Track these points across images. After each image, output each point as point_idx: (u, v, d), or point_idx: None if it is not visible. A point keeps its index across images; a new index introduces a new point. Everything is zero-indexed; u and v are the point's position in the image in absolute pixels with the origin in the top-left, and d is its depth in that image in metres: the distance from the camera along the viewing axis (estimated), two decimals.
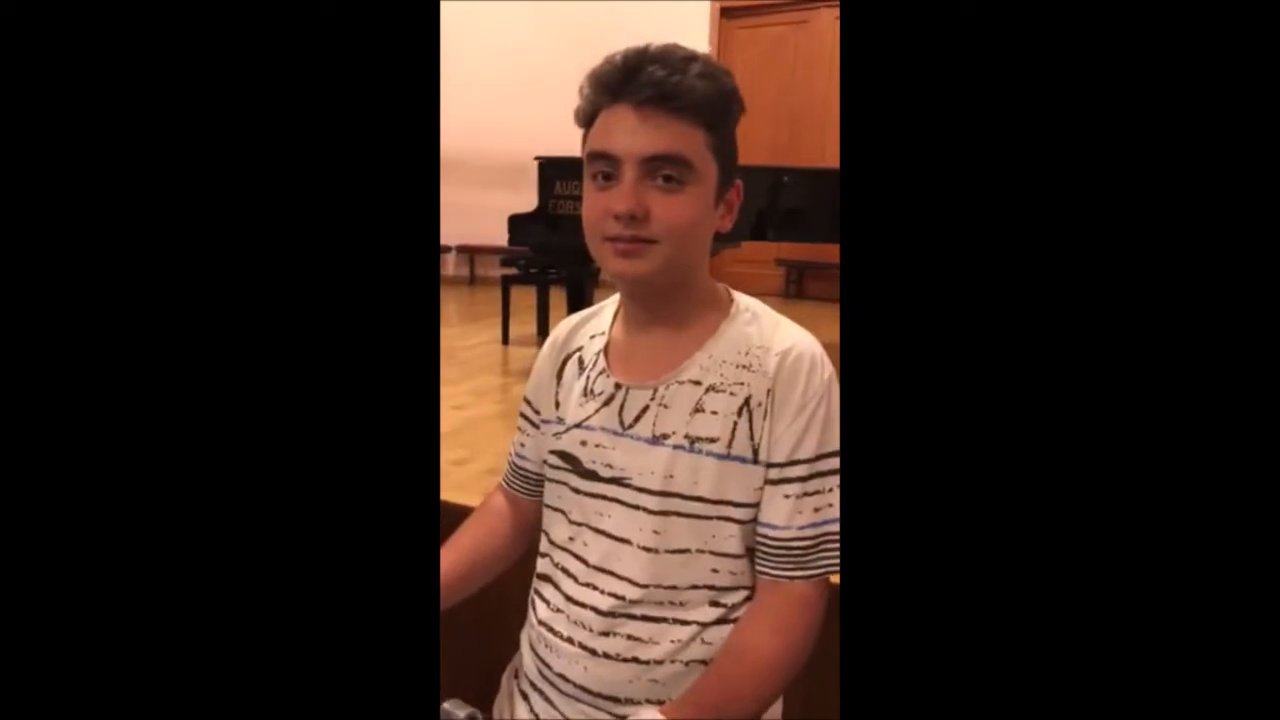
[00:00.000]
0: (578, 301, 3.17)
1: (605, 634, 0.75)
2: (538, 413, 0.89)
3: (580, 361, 0.85)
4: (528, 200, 3.15)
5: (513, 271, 3.86)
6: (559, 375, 0.87)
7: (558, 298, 3.78)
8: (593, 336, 0.86)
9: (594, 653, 0.76)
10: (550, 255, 3.47)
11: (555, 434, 0.84)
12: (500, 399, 2.89)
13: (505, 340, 3.79)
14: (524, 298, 3.89)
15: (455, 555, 0.89)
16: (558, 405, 0.85)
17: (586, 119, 0.75)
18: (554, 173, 3.00)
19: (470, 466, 2.12)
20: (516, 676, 0.88)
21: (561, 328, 0.91)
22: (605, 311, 0.88)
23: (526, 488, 0.94)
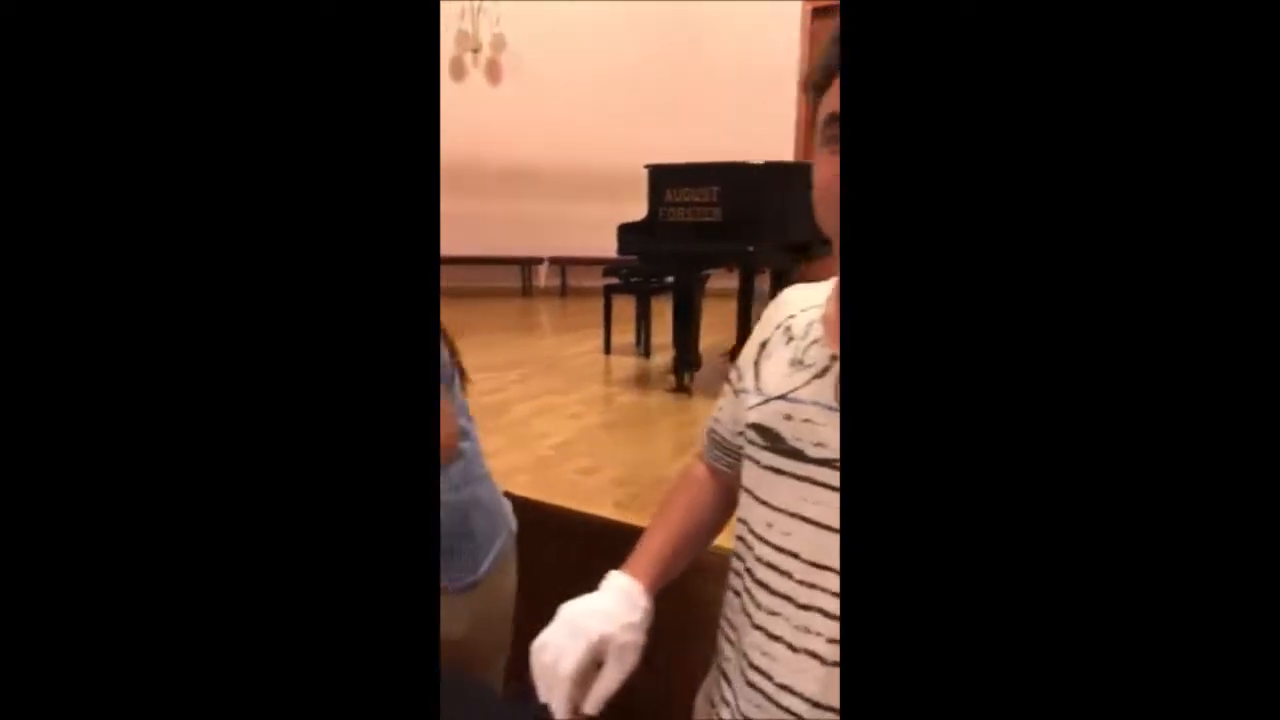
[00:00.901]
0: (685, 308, 3.14)
1: (835, 640, 0.70)
2: (740, 379, 0.84)
3: (789, 330, 0.80)
4: (621, 211, 3.14)
5: (614, 281, 3.86)
6: (765, 343, 0.82)
7: (659, 306, 3.76)
8: (805, 309, 0.81)
9: (824, 660, 0.70)
10: (659, 263, 3.45)
11: (752, 405, 0.78)
12: (605, 409, 2.88)
13: (607, 350, 3.79)
14: (620, 308, 3.89)
15: (665, 531, 0.86)
16: (757, 376, 0.81)
17: (825, 78, 0.70)
18: (664, 180, 2.98)
19: (598, 476, 2.11)
20: (715, 704, 0.83)
21: (779, 297, 0.87)
22: (825, 285, 0.82)
23: (721, 455, 0.90)
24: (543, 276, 5.94)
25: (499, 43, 5.33)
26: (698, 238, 2.88)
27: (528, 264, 5.84)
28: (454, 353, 1.17)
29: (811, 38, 5.27)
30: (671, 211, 2.91)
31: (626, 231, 3.15)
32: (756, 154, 3.00)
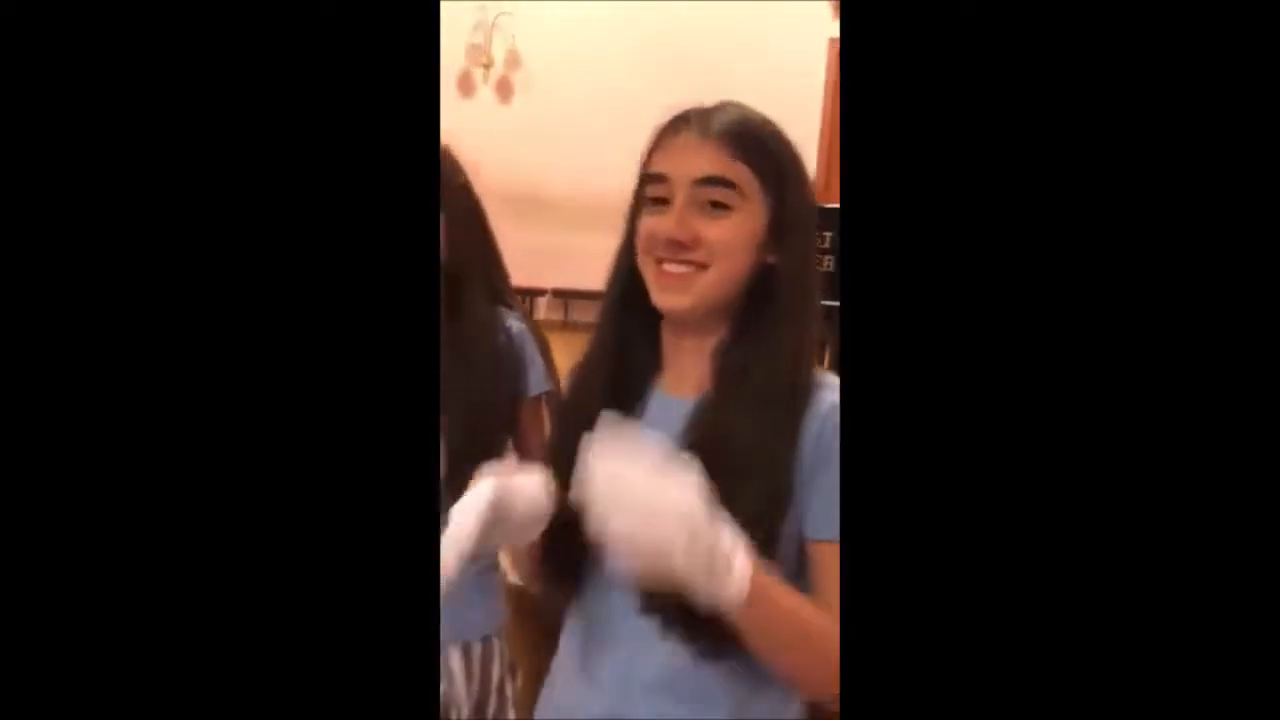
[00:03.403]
0: None
1: None
2: None
3: None
4: None
5: None
6: None
7: None
8: None
9: None
10: None
11: None
12: None
13: None
14: None
15: None
16: None
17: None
18: None
19: None
20: None
21: None
22: None
23: None
24: (544, 309, 5.57)
25: (513, 59, 5.01)
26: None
27: (528, 295, 5.48)
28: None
29: (837, 71, 5.14)
30: None
31: None
32: None
